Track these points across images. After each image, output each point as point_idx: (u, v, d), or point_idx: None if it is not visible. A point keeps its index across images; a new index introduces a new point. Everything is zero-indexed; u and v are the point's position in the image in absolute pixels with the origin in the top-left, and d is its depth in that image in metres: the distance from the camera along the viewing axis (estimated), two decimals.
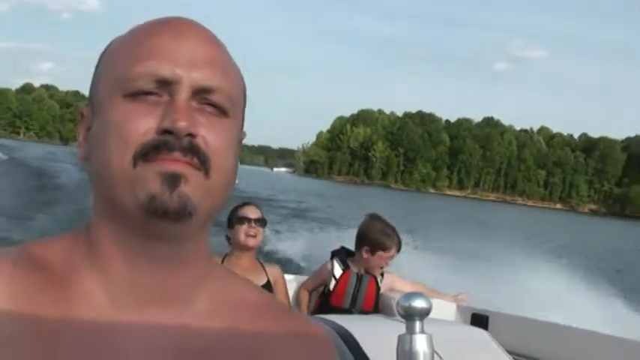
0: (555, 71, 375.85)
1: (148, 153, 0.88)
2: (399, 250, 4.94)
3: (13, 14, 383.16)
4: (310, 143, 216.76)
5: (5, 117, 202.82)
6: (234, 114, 0.96)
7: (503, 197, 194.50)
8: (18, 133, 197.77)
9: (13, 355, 0.88)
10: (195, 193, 0.89)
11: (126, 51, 0.95)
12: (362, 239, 4.94)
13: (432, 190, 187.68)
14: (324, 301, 5.01)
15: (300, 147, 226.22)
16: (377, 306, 4.93)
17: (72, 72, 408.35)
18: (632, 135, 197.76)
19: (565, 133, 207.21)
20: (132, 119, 0.90)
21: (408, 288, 4.72)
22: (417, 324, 1.25)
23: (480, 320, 4.89)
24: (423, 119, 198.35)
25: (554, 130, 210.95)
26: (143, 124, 0.89)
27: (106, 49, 1.01)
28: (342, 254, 5.09)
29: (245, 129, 1.03)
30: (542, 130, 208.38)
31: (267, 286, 4.46)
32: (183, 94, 0.91)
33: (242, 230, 4.50)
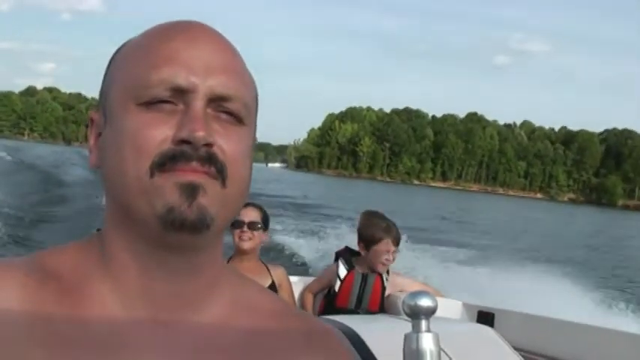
0: (551, 66, 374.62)
1: (165, 163, 0.84)
2: (396, 243, 4.68)
3: (13, 14, 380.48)
4: (302, 139, 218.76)
5: (10, 119, 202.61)
6: (249, 121, 0.93)
7: (485, 188, 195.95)
8: (22, 134, 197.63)
9: None
10: (213, 203, 0.86)
11: (139, 57, 0.90)
12: (358, 237, 4.75)
13: (416, 182, 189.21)
14: (330, 303, 4.78)
15: (292, 143, 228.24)
16: (383, 306, 4.69)
17: (73, 72, 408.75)
18: (610, 128, 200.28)
19: (547, 127, 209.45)
20: (148, 128, 0.86)
21: (414, 287, 4.52)
22: (424, 322, 1.22)
23: (486, 318, 4.71)
24: (410, 115, 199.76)
25: (537, 124, 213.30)
26: (159, 134, 0.85)
27: (116, 53, 0.97)
28: (346, 255, 4.85)
29: None
30: (525, 124, 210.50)
31: (272, 288, 4.29)
32: (199, 103, 0.87)
33: (236, 234, 4.36)
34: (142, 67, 0.88)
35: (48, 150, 75.51)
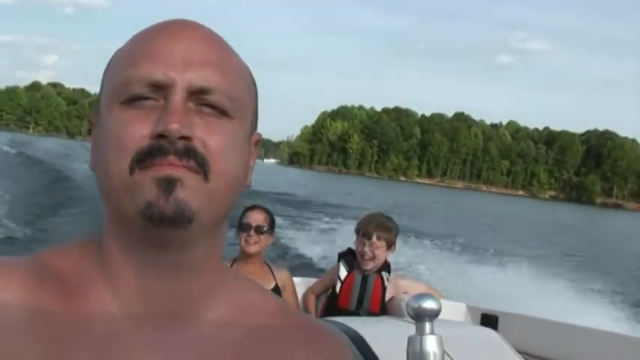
0: (550, 67, 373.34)
1: (144, 159, 0.81)
2: (369, 237, 4.42)
3: (17, 7, 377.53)
4: (295, 136, 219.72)
5: (16, 113, 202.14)
6: (238, 114, 0.88)
7: (469, 185, 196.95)
8: (28, 128, 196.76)
9: None
10: (194, 197, 0.81)
11: (122, 59, 0.89)
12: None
13: (402, 178, 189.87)
14: (331, 303, 4.60)
15: (285, 139, 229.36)
16: (384, 306, 4.50)
17: (76, 65, 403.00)
18: (592, 129, 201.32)
19: (532, 127, 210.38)
20: (128, 126, 0.83)
21: (418, 289, 4.33)
22: (427, 325, 1.19)
23: (489, 320, 4.56)
24: (399, 114, 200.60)
25: (523, 124, 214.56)
26: (138, 130, 0.82)
27: (110, 59, 0.94)
28: (348, 255, 4.65)
29: None
30: (510, 124, 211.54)
31: (276, 291, 4.17)
32: (177, 97, 0.83)
33: (243, 237, 4.26)
34: (123, 67, 0.87)
35: (54, 143, 75.35)
